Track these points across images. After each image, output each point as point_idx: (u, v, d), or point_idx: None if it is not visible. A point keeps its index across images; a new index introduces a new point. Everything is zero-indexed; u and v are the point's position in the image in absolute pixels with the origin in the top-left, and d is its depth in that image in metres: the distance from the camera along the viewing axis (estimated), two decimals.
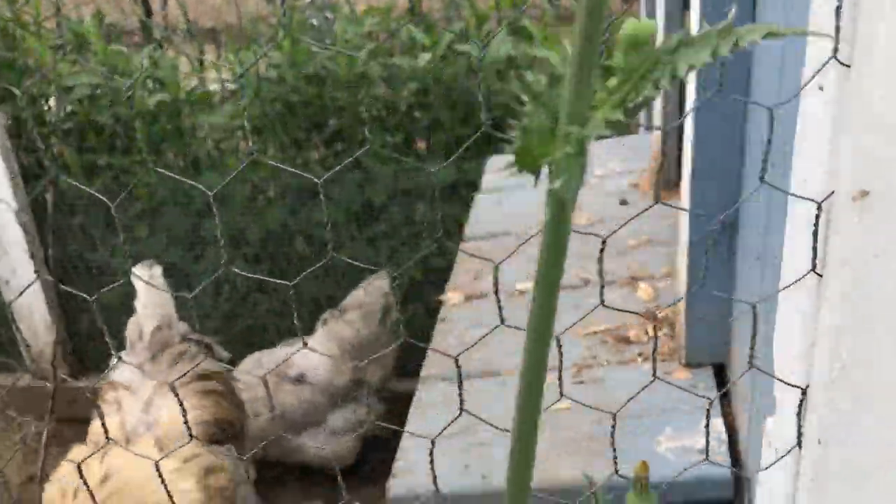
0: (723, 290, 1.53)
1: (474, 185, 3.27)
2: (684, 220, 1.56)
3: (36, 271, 3.36)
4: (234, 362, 3.27)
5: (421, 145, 3.46)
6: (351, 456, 3.13)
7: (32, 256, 3.37)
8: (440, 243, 3.37)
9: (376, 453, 3.31)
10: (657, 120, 2.29)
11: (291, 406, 2.99)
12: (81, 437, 3.50)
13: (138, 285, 2.91)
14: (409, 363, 3.26)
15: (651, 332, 1.73)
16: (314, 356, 3.03)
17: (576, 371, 1.71)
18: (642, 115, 3.15)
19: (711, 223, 1.43)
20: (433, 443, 1.12)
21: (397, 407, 3.25)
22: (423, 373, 1.82)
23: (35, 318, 3.48)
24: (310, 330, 3.28)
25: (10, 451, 3.44)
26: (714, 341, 1.61)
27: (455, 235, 3.36)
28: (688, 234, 1.51)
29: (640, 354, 1.70)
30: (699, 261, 1.51)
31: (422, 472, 1.58)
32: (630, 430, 1.56)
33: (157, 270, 3.06)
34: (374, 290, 3.08)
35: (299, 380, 3.01)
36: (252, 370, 3.11)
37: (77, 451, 2.46)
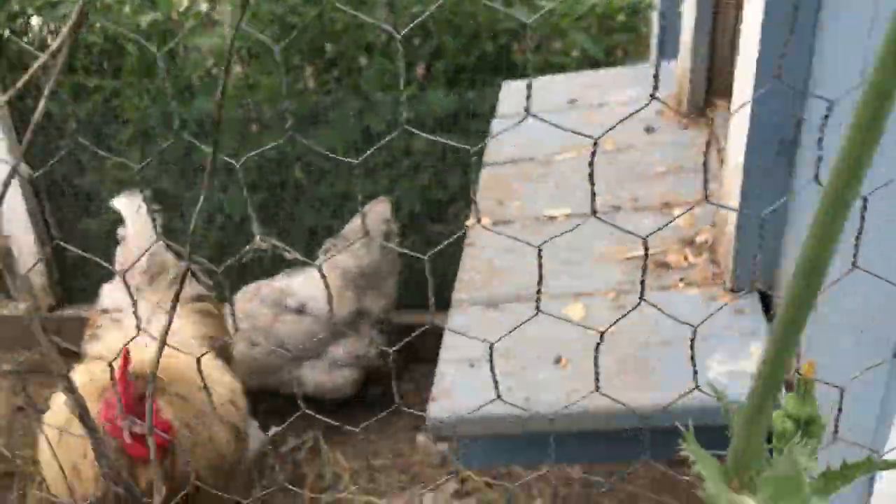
0: (777, 212, 1.50)
1: (476, 115, 3.19)
2: (737, 141, 1.51)
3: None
4: (230, 293, 3.20)
5: (420, 72, 3.36)
6: (351, 387, 3.10)
7: (16, 180, 3.24)
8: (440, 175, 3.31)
9: (376, 385, 3.28)
10: (683, 45, 2.22)
11: (292, 337, 2.93)
12: (65, 367, 3.43)
13: (126, 213, 2.83)
14: (408, 296, 3.22)
15: (691, 258, 1.69)
16: (314, 286, 2.97)
17: (614, 296, 1.67)
18: (653, 44, 3.08)
19: (771, 144, 1.38)
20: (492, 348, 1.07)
21: (398, 339, 3.22)
22: (454, 297, 1.77)
23: (20, 244, 3.37)
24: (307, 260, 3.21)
25: None
26: (761, 266, 1.58)
27: (455, 167, 3.29)
28: (744, 155, 1.46)
29: (681, 280, 1.66)
30: (755, 183, 1.46)
31: (461, 395, 1.55)
32: (678, 355, 1.53)
33: (139, 199, 2.99)
34: (374, 217, 3.01)
35: (300, 310, 2.95)
36: (251, 300, 3.05)
37: (80, 368, 2.42)
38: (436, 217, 3.33)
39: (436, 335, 3.36)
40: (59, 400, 2.29)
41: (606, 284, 1.70)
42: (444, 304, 3.38)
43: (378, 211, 3.02)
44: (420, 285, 3.27)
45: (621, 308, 1.64)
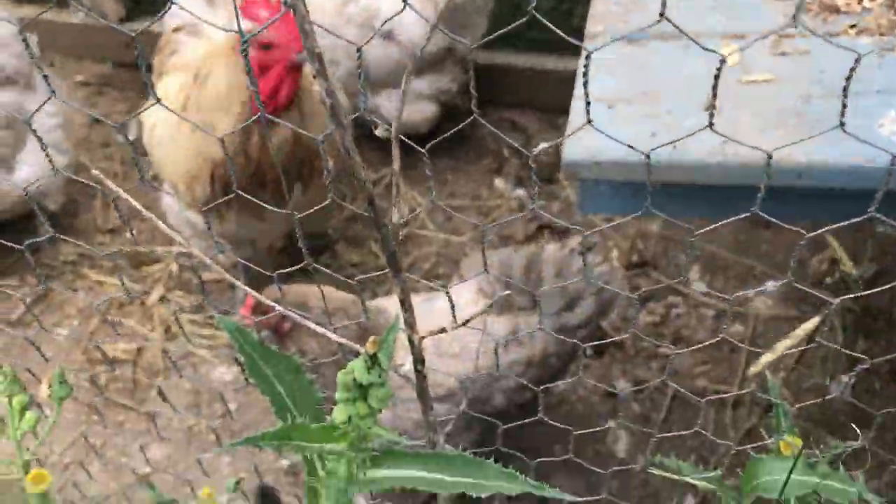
0: None
1: None
2: None
3: None
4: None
5: None
6: (428, 124, 3.00)
7: None
8: None
9: (453, 124, 3.16)
10: None
11: (376, 61, 2.79)
12: (136, 81, 3.34)
13: None
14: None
15: (867, 2, 1.50)
16: (406, 12, 2.78)
17: (775, 40, 1.50)
18: None
19: None
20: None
21: (480, 77, 3.07)
22: (587, 30, 1.61)
23: None
24: None
25: (71, 93, 3.29)
26: None
27: None
28: None
29: (852, 27, 1.49)
30: None
31: (598, 136, 1.43)
32: (847, 111, 1.39)
33: None
34: None
35: (388, 36, 2.78)
36: (334, 15, 2.86)
37: (164, 81, 2.37)
38: None
39: (516, 78, 3.20)
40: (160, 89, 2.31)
41: (764, 26, 1.53)
42: (530, 44, 3.17)
43: None
44: (508, 24, 3.06)
45: (784, 55, 1.48)
